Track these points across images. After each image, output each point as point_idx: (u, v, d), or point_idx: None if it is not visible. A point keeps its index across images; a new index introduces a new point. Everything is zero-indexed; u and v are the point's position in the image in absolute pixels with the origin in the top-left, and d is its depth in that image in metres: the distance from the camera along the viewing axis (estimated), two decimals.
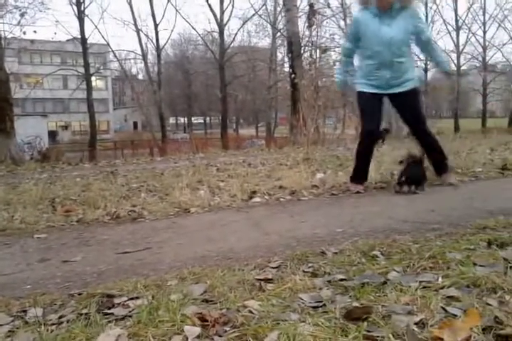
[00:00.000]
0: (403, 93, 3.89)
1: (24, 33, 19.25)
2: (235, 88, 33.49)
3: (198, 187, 4.64)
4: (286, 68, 29.08)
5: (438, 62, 4.07)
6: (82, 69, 24.15)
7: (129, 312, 1.53)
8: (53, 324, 1.50)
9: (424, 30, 3.98)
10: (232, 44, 31.95)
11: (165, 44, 33.79)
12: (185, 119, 48.63)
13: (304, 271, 1.80)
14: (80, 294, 1.76)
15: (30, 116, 22.96)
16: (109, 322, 1.43)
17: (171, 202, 3.86)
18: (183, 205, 3.72)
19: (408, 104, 3.97)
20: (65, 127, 32.84)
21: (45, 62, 41.32)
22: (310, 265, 1.88)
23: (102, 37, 26.27)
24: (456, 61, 36.21)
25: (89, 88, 23.61)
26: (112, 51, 27.25)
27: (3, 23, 18.48)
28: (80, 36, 23.36)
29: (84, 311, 1.57)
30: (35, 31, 20.61)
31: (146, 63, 28.55)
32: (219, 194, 4.20)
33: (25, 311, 1.65)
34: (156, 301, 1.52)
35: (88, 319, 1.47)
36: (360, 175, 4.01)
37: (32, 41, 21.13)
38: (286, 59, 28.86)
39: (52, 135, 27.27)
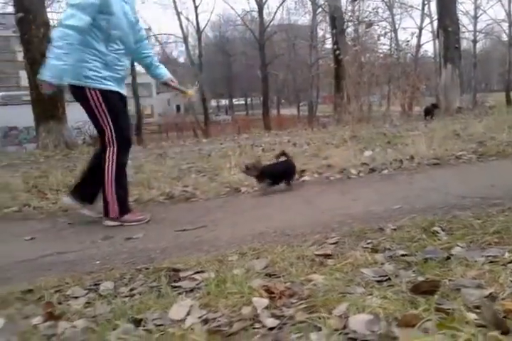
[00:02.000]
0: (125, 96, 3.08)
1: None
2: (276, 67, 33.10)
3: None
4: (328, 45, 28.45)
5: (156, 71, 3.27)
6: None
7: (196, 285, 1.59)
8: (126, 296, 1.59)
9: (142, 27, 3.18)
10: (272, 22, 31.53)
11: (205, 26, 33.80)
12: (227, 101, 48.81)
13: (363, 247, 1.81)
14: (146, 268, 1.84)
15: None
16: (179, 294, 1.50)
17: (221, 182, 3.93)
18: (234, 185, 3.78)
19: (126, 110, 3.12)
20: None
21: None
22: (369, 241, 1.88)
23: (144, 21, 26.57)
24: (507, 31, 34.14)
25: (134, 73, 24.02)
26: (154, 35, 27.52)
27: (52, 12, 18.96)
28: None
29: (153, 284, 1.65)
30: None
31: (187, 46, 28.70)
32: None
33: (97, 285, 1.75)
34: (222, 275, 1.57)
35: (158, 291, 1.54)
36: (127, 202, 3.04)
37: None
38: (327, 35, 28.22)
39: None
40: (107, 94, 2.82)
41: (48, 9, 15.43)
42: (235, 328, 1.17)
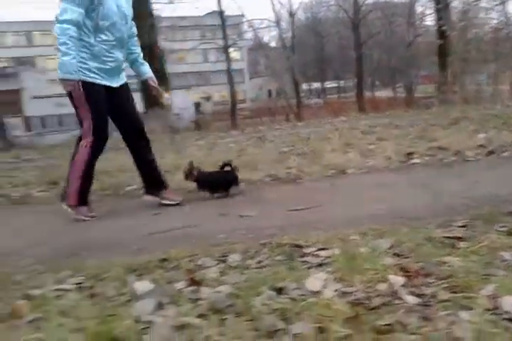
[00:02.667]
0: (124, 86, 3.05)
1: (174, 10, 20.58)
2: (370, 47, 31.83)
3: (347, 150, 4.63)
4: (427, 22, 26.72)
5: (139, 68, 3.18)
6: (220, 42, 25.14)
7: (321, 261, 1.62)
8: (254, 268, 1.67)
9: (132, 20, 3.08)
10: (367, 1, 30.21)
11: (298, 8, 33.48)
12: (318, 84, 48.12)
13: (496, 230, 1.71)
14: (270, 243, 1.91)
15: (177, 89, 24.87)
16: (308, 268, 1.55)
17: (324, 165, 3.91)
18: (339, 167, 3.75)
19: (129, 102, 3.09)
20: (207, 98, 35.01)
21: (186, 37, 43.88)
22: (502, 224, 1.77)
23: (238, 8, 27.01)
24: None
25: (229, 60, 24.59)
26: (247, 21, 27.81)
27: (156, 3, 19.92)
28: (218, 9, 24.19)
29: (278, 258, 1.72)
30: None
31: (279, 29, 28.64)
32: (371, 156, 4.13)
33: (224, 256, 1.86)
34: (350, 252, 1.59)
35: (287, 264, 1.60)
36: (87, 195, 3.02)
37: (182, 18, 22.45)
38: (427, 12, 26.45)
39: (197, 106, 29.30)
40: (89, 86, 2.83)
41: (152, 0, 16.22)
42: (375, 303, 1.18)
